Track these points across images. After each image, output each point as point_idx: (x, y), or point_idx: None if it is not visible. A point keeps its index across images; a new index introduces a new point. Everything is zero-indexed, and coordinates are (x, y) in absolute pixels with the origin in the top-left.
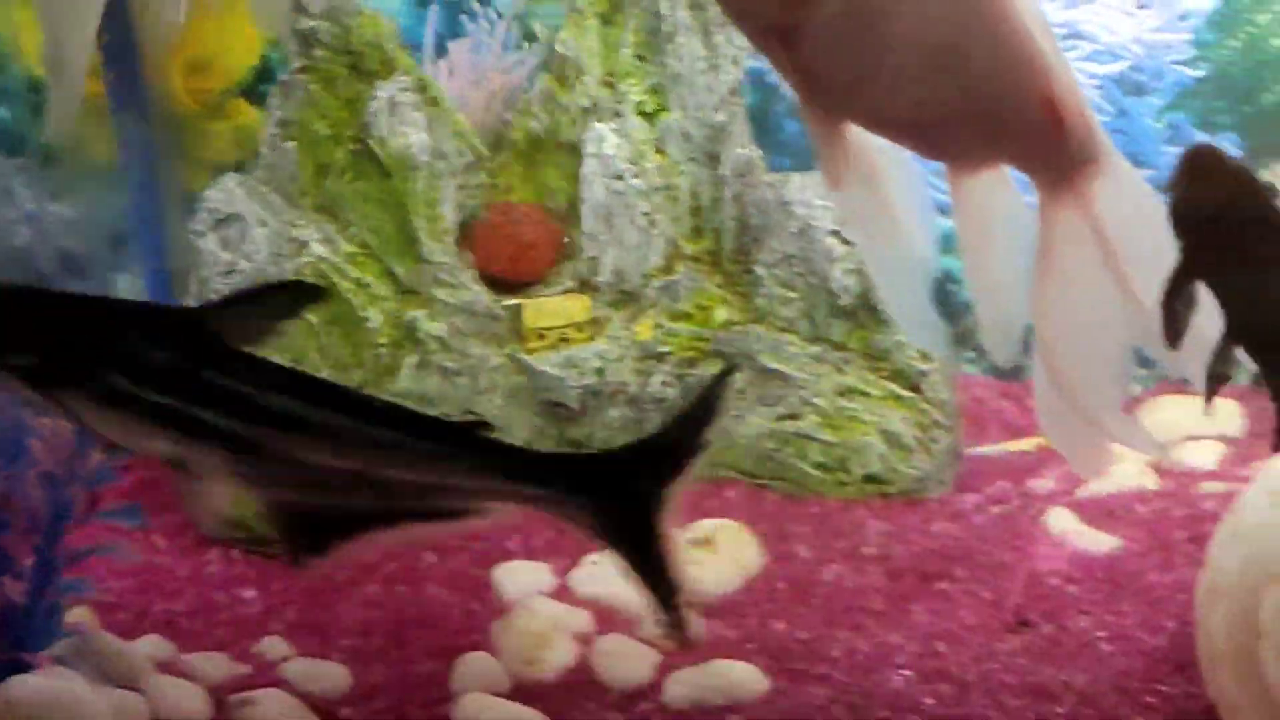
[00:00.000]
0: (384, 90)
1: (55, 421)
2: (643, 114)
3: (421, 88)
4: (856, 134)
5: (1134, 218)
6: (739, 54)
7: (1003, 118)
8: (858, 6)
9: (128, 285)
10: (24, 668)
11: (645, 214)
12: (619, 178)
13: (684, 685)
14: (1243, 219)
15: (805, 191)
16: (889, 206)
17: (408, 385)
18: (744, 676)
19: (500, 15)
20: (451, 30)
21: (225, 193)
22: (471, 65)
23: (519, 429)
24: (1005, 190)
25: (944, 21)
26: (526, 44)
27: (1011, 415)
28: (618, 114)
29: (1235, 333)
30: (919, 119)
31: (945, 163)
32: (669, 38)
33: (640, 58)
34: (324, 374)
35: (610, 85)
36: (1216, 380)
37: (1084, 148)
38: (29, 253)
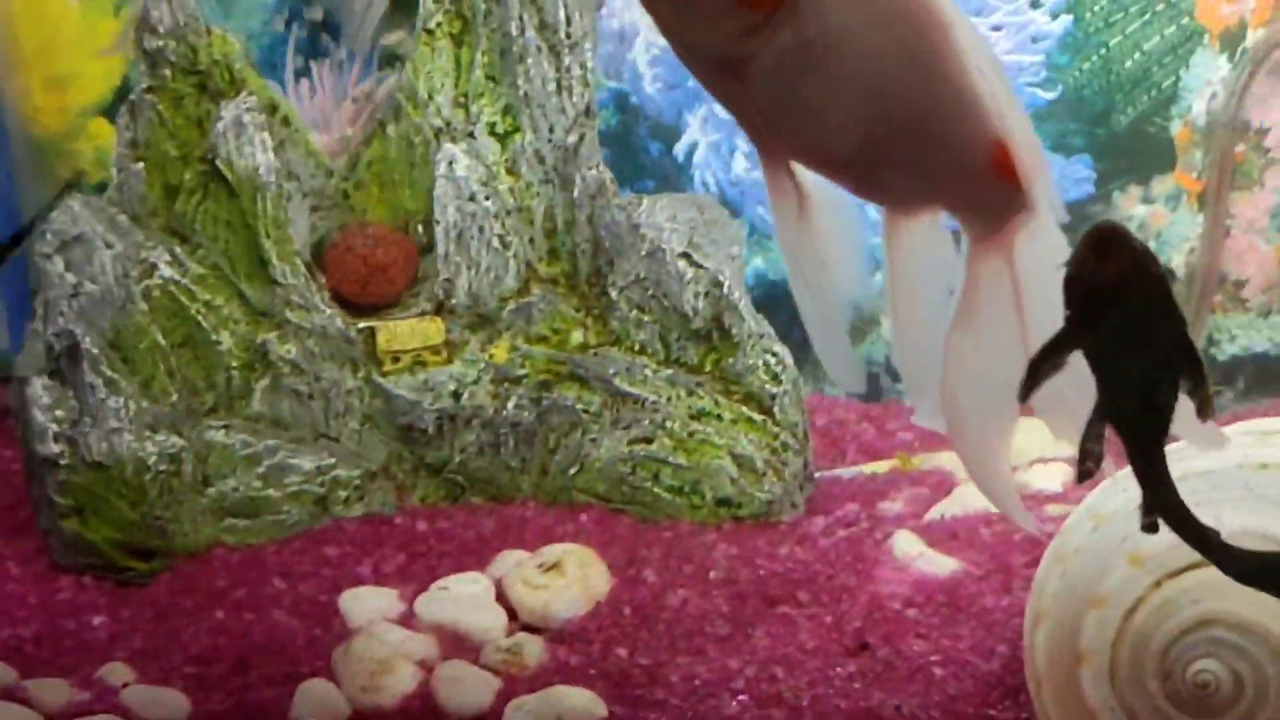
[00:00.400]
0: (229, 110)
1: None
2: (495, 135)
3: (271, 108)
4: (800, 171)
5: (1046, 276)
6: (590, 75)
7: (946, 163)
8: (807, 44)
9: None
10: None
11: (499, 235)
12: (471, 199)
13: (523, 712)
14: (1135, 301)
15: (655, 214)
16: (823, 245)
17: (260, 408)
18: (582, 702)
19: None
20: (315, 50)
21: (69, 214)
22: (334, 85)
23: (375, 453)
24: (939, 235)
25: (891, 62)
26: (390, 65)
27: (870, 437)
28: (470, 134)
29: (1105, 410)
30: (861, 159)
31: (883, 205)
32: (519, 58)
33: (492, 78)
34: (173, 396)
35: (463, 106)
36: (1087, 456)
37: (1024, 197)
38: None
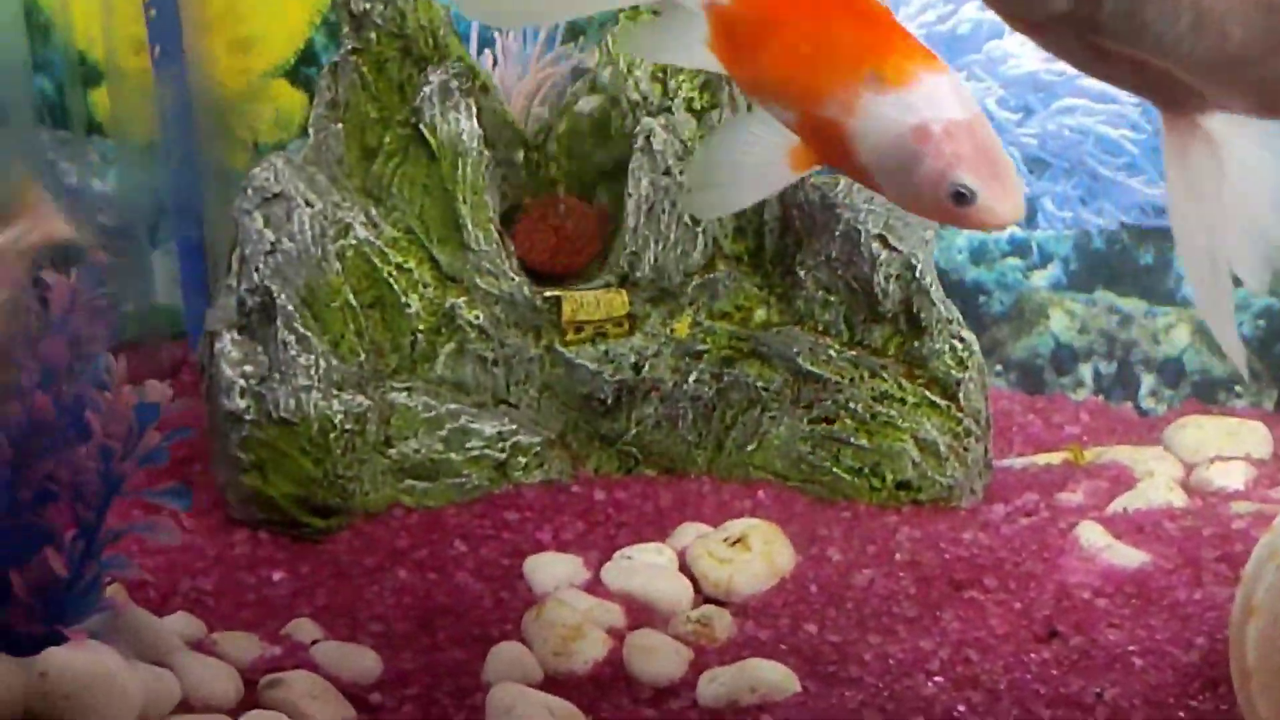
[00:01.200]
0: (436, 75)
1: (116, 395)
2: (691, 110)
3: (472, 74)
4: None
5: None
6: None
7: None
8: None
9: (162, 261)
10: (58, 640)
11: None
12: (666, 173)
13: (717, 684)
14: None
15: (852, 194)
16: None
17: (443, 372)
18: (775, 677)
19: None
20: None
21: (272, 171)
22: (517, 56)
23: (552, 421)
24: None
25: None
26: (575, 39)
27: (1037, 429)
28: (668, 109)
29: None
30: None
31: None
32: None
33: None
34: (360, 357)
35: (660, 81)
36: None
37: None
38: None
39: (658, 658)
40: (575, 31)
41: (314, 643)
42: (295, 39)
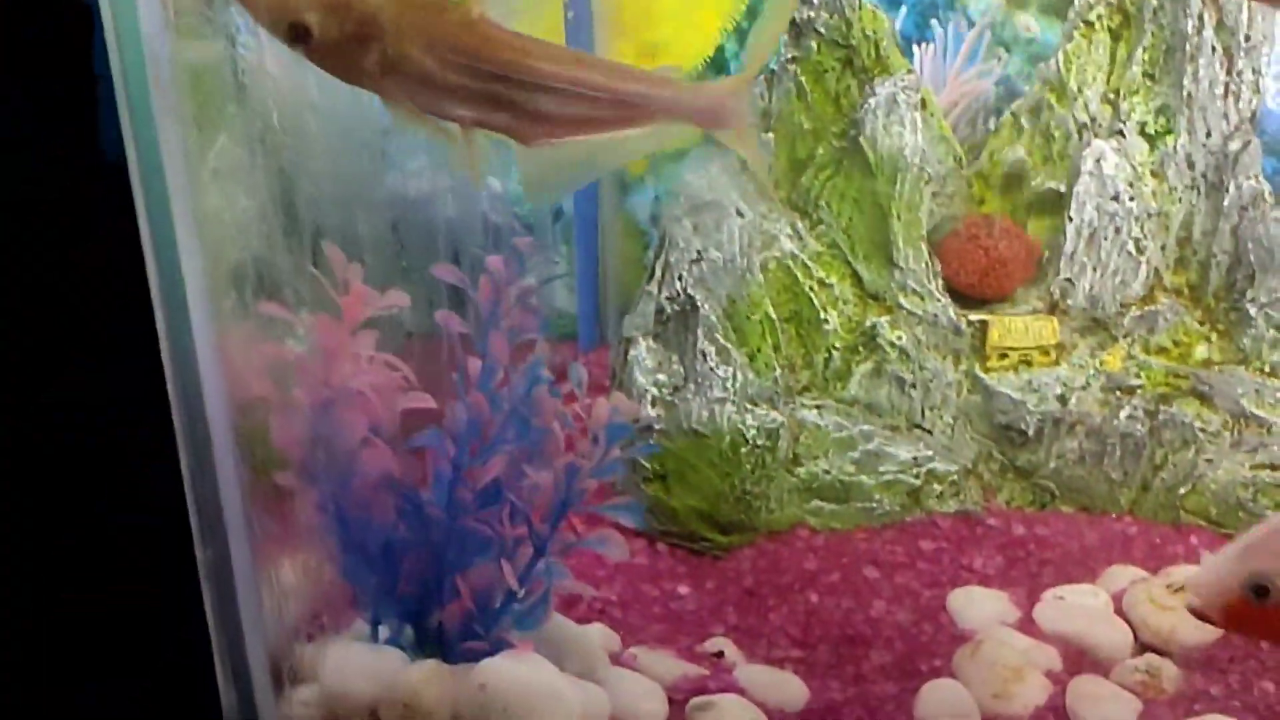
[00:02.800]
0: (884, 87)
1: (585, 409)
2: (1144, 135)
3: (918, 88)
4: None
5: None
6: (1261, 81)
7: None
8: None
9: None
10: (497, 649)
11: (1135, 239)
12: (1115, 198)
13: None
14: None
15: None
16: None
17: (857, 392)
18: None
19: (971, 24)
20: (919, 34)
21: (705, 179)
22: (934, 72)
23: (965, 449)
24: None
25: None
26: (1000, 55)
27: None
28: (1119, 133)
29: None
30: None
31: None
32: (1190, 57)
33: (1149, 76)
34: (775, 372)
35: (1111, 103)
36: None
37: None
38: (455, 224)
39: (1105, 707)
40: (1003, 44)
41: (733, 666)
42: (706, 46)
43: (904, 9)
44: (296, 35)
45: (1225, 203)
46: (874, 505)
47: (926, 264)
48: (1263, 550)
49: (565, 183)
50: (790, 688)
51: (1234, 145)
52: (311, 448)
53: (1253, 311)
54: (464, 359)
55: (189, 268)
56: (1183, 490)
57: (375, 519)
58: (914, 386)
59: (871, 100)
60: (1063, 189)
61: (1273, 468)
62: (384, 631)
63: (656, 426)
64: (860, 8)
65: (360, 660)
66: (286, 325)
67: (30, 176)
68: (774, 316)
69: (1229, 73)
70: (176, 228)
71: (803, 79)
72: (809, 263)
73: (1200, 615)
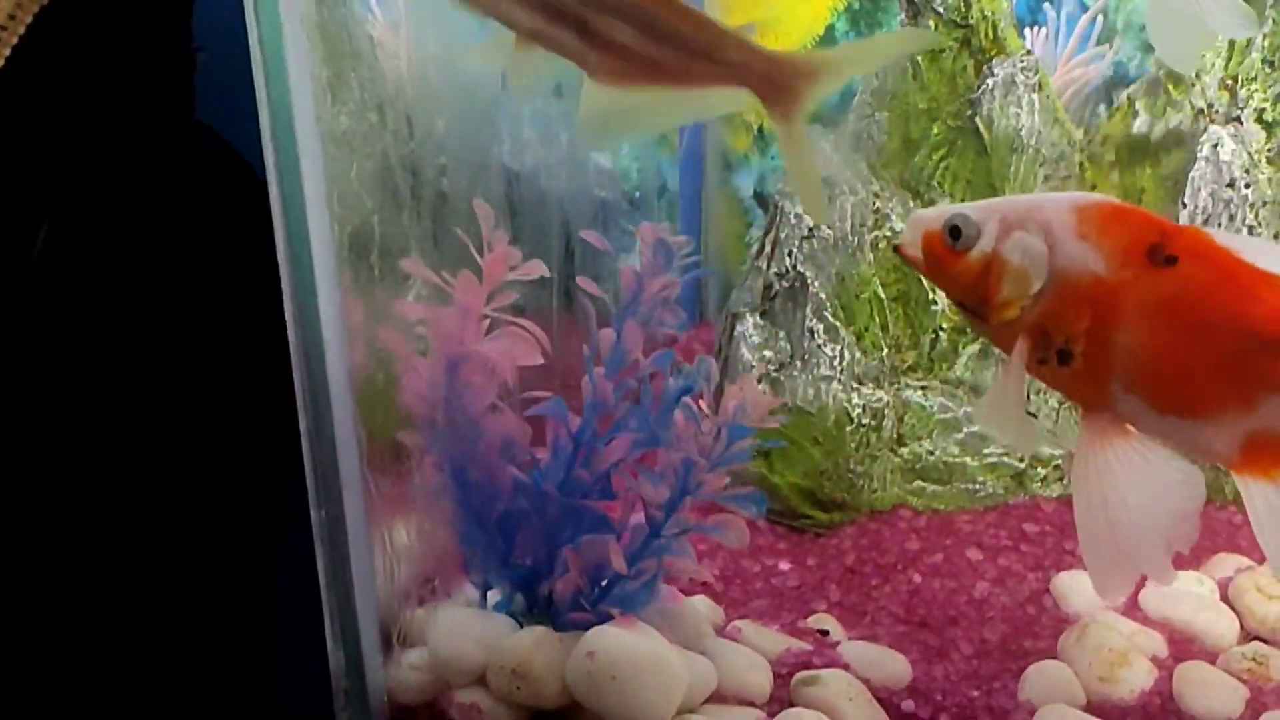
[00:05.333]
0: (1003, 67)
1: (708, 404)
2: (1262, 122)
3: (1036, 69)
4: None
5: None
6: None
7: None
8: None
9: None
10: (604, 620)
11: (1249, 227)
12: (1230, 185)
13: None
14: None
15: None
16: None
17: (962, 374)
18: None
19: (1085, 8)
20: (1031, 17)
21: (822, 155)
22: (1044, 56)
23: (1070, 435)
24: None
25: None
26: (1112, 41)
27: None
28: (1237, 119)
29: None
30: None
31: None
32: None
33: (1269, 63)
34: (882, 351)
35: (1229, 89)
36: None
37: None
38: (564, 198)
39: (1213, 694)
40: (1111, 32)
41: (837, 643)
42: (816, 24)
43: None
44: None
45: None
46: (977, 487)
47: None
48: (985, 208)
49: (626, 130)
50: (895, 665)
51: None
52: (438, 408)
53: None
54: (596, 333)
55: (315, 229)
56: None
57: (495, 486)
58: None
59: (990, 80)
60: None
61: None
62: (494, 597)
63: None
64: None
65: (470, 625)
66: (408, 288)
67: (125, 143)
68: (882, 296)
69: None
70: (305, 189)
71: (919, 58)
72: None
73: (900, 252)
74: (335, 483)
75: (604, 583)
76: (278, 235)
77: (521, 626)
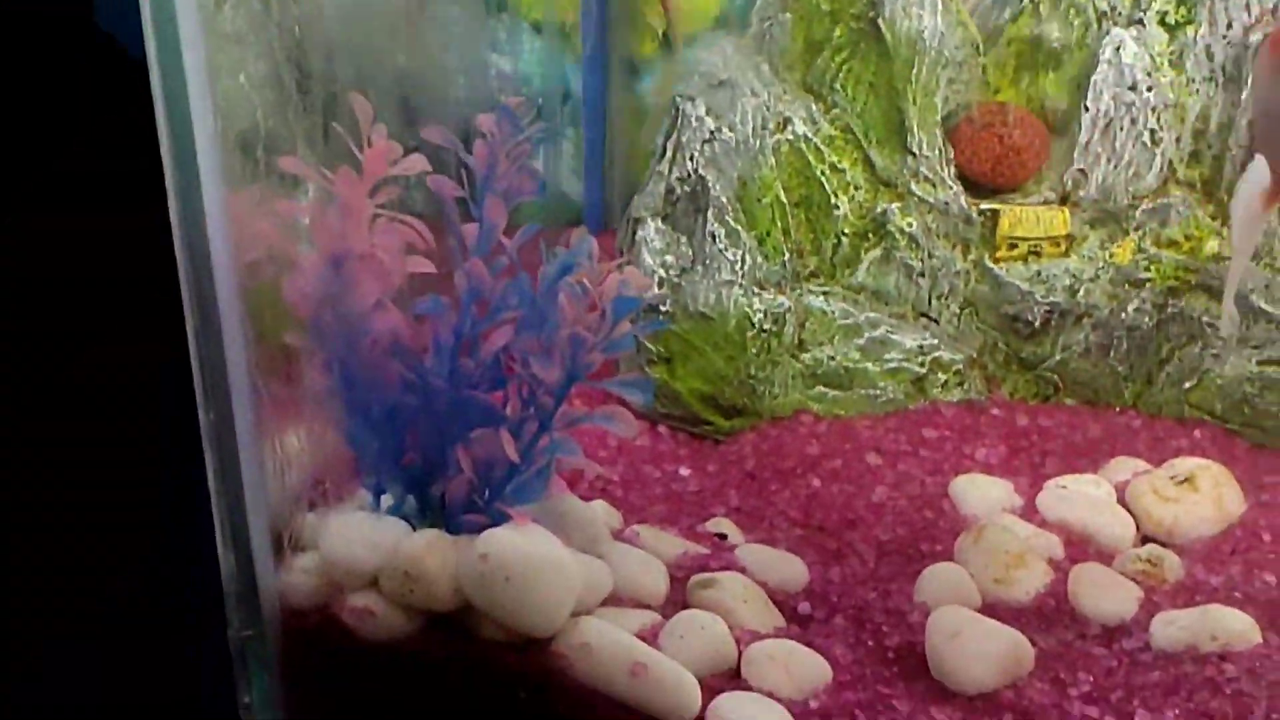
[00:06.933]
0: None
1: (590, 282)
2: (1165, 25)
3: None
4: None
5: None
6: None
7: None
8: None
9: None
10: (498, 522)
11: (1150, 130)
12: (1132, 88)
13: (1175, 627)
14: None
15: None
16: None
17: (865, 279)
18: (1240, 626)
19: None
20: None
21: (720, 57)
22: None
23: (971, 339)
24: None
25: None
26: None
27: None
28: (1139, 22)
29: None
30: None
31: None
32: None
33: None
34: (784, 256)
35: None
36: None
37: None
38: (463, 103)
39: (1107, 595)
40: None
41: (734, 546)
42: None
43: None
44: None
45: (1243, 96)
46: (878, 392)
47: (940, 151)
48: None
49: None
50: (791, 568)
51: (1254, 37)
52: (322, 306)
53: None
54: (459, 226)
55: (200, 128)
56: (1188, 385)
57: (382, 384)
58: (922, 275)
59: None
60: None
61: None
62: (386, 501)
63: (663, 308)
64: None
65: (362, 528)
66: (297, 186)
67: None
68: (785, 200)
69: None
70: (189, 87)
71: None
72: (821, 147)
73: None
74: (223, 384)
75: (496, 480)
76: (161, 131)
77: (415, 530)
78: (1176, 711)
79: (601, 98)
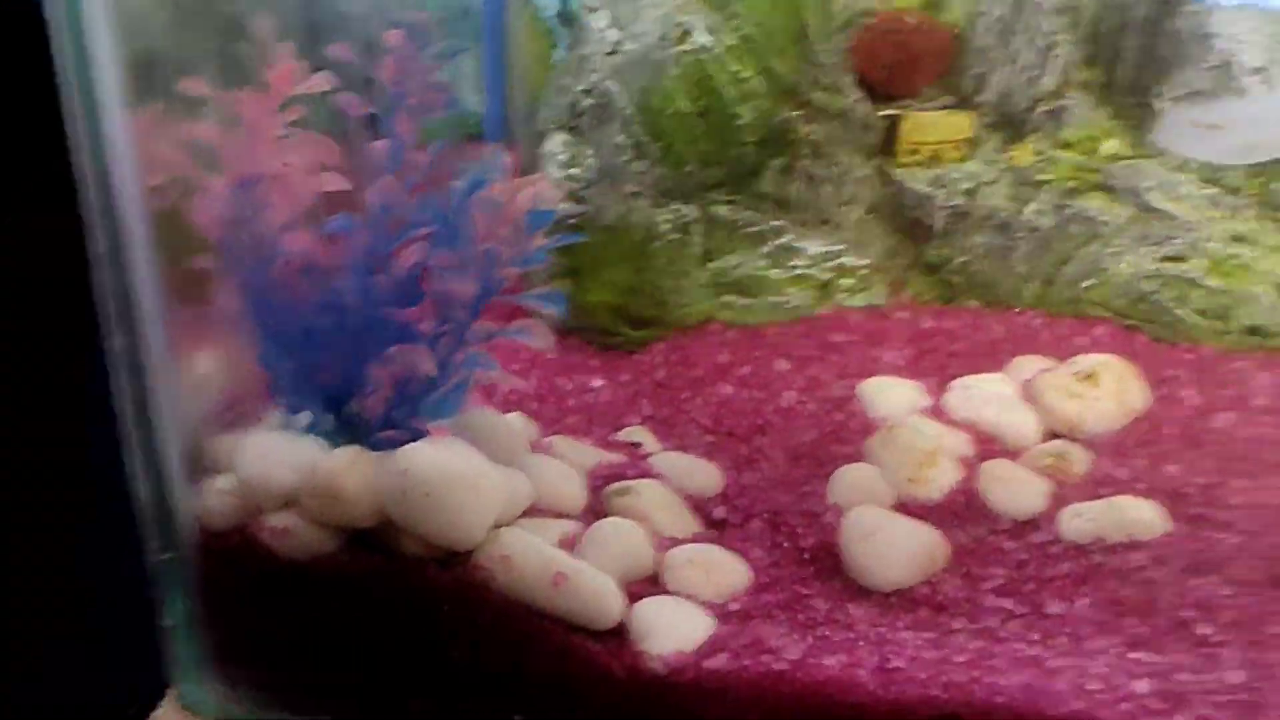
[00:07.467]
0: None
1: (504, 197)
2: None
3: None
4: None
5: None
6: None
7: None
8: None
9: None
10: (417, 437)
11: (1046, 34)
12: None
13: (1083, 519)
14: None
15: (1234, 25)
16: None
17: (768, 188)
18: (1146, 516)
19: None
20: None
21: None
22: None
23: (875, 245)
24: None
25: None
26: None
27: None
28: None
29: None
30: None
31: None
32: None
33: None
34: (688, 167)
35: None
36: None
37: None
38: (362, 20)
39: (1016, 489)
40: None
41: (649, 454)
42: None
43: None
44: None
45: None
46: (785, 300)
47: (839, 58)
48: None
49: None
50: (706, 474)
51: None
52: (232, 229)
53: (1159, 106)
54: (368, 144)
55: (100, 51)
56: (1086, 283)
57: (295, 304)
58: (825, 182)
59: None
60: None
61: (1177, 260)
62: (303, 420)
63: (570, 220)
64: None
65: (279, 449)
66: (203, 108)
67: None
68: (684, 108)
69: None
70: (87, 5)
71: None
72: (723, 56)
73: None
74: (133, 309)
75: (414, 396)
76: (56, 54)
77: (333, 448)
78: (1087, 601)
79: (500, 12)
